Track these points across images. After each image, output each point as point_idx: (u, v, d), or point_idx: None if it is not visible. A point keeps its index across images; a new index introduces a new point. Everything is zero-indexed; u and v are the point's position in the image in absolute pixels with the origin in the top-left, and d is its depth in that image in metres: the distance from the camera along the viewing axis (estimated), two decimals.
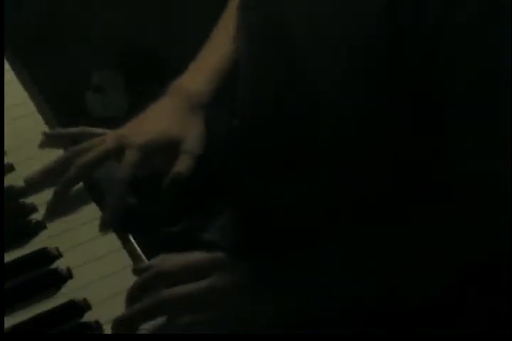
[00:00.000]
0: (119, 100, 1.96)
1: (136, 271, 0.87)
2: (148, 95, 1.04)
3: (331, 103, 0.86)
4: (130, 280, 0.86)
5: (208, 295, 0.82)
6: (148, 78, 1.80)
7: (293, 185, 0.94)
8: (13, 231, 0.92)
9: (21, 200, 0.95)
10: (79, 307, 0.85)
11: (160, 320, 0.83)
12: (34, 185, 0.96)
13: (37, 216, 0.94)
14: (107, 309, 0.85)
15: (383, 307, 0.85)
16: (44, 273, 0.88)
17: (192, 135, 1.00)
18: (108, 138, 0.98)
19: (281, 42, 0.88)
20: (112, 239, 0.92)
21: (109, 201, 0.94)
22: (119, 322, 0.82)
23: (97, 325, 0.83)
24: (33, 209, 0.94)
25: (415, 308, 0.86)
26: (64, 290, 0.87)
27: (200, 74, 1.06)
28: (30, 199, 0.95)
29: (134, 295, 0.84)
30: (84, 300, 0.85)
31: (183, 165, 0.98)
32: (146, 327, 0.83)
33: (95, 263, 0.90)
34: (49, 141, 1.02)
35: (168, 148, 0.99)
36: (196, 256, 0.86)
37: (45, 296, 0.86)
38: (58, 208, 0.94)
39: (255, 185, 0.97)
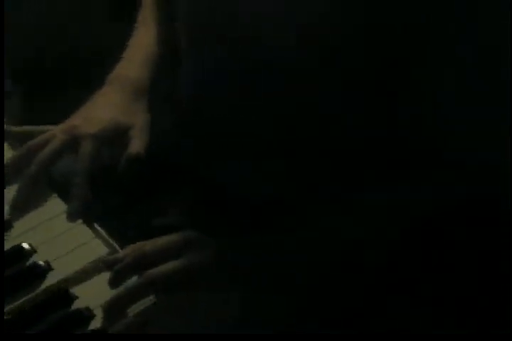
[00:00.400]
0: (14, 109, 1.94)
1: (105, 262, 0.88)
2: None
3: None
4: None
5: (188, 272, 0.85)
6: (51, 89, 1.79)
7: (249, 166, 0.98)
8: None
9: None
10: (66, 297, 0.86)
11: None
12: None
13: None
14: (93, 296, 0.87)
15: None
16: (24, 269, 0.89)
17: (139, 121, 1.02)
18: (59, 131, 1.00)
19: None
20: (83, 229, 0.94)
21: (74, 192, 0.95)
22: (109, 306, 0.84)
23: (88, 311, 0.85)
24: None
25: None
26: (47, 282, 0.88)
27: (136, 61, 1.09)
28: None
29: (117, 281, 0.86)
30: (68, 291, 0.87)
31: (134, 147, 0.99)
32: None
33: (71, 254, 0.91)
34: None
35: (118, 136, 1.00)
36: (168, 237, 0.88)
37: (29, 291, 0.87)
38: (23, 205, 0.95)
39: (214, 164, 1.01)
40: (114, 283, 0.86)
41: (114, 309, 0.84)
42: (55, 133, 0.99)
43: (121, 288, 0.85)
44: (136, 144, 1.00)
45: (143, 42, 1.12)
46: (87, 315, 0.85)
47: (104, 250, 0.92)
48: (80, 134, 0.98)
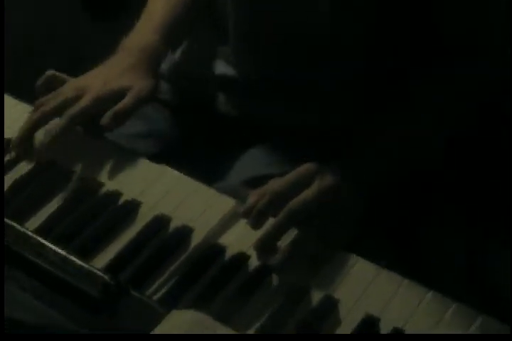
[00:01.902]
0: None
1: (242, 210, 0.95)
2: None
3: None
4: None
5: (323, 196, 0.94)
6: None
7: None
8: None
9: None
10: (217, 249, 0.95)
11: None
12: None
13: None
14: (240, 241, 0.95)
15: None
16: (167, 236, 0.97)
17: (140, 84, 1.09)
18: (68, 86, 1.08)
19: None
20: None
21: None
22: (260, 244, 0.93)
23: (242, 254, 0.94)
24: None
25: None
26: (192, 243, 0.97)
27: (145, 28, 1.16)
28: None
29: (260, 223, 0.94)
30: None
31: (122, 105, 1.06)
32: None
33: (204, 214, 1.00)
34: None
35: (117, 94, 1.07)
36: (293, 173, 0.96)
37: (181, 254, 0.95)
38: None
39: None
40: (257, 225, 0.93)
41: (265, 246, 0.92)
42: (64, 91, 1.08)
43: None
44: (123, 103, 1.06)
45: (154, 9, 1.19)
46: (242, 258, 0.93)
47: (231, 202, 0.99)
48: (84, 91, 1.06)
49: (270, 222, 0.94)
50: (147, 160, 1.06)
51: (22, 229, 0.88)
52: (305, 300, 0.90)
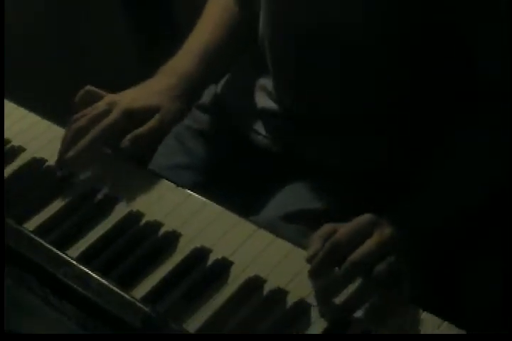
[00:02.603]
0: None
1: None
2: None
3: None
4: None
5: (383, 247, 0.95)
6: None
7: None
8: None
9: None
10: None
11: None
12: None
13: None
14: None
15: None
16: (206, 269, 0.99)
17: (170, 105, 1.12)
18: (100, 104, 1.11)
19: None
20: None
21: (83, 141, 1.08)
22: (324, 291, 0.94)
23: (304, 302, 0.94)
24: None
25: None
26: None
27: (187, 55, 1.20)
28: None
29: (319, 272, 0.94)
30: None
31: (145, 128, 1.10)
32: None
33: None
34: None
35: (145, 114, 1.11)
36: (353, 223, 0.97)
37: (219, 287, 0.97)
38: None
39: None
40: (316, 274, 0.94)
41: (327, 296, 0.94)
42: (99, 104, 1.11)
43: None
44: (147, 126, 1.09)
45: (200, 40, 1.22)
46: (303, 307, 0.94)
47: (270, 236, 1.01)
48: (115, 106, 1.10)
49: None
50: (188, 191, 1.08)
51: (67, 258, 0.90)
52: None
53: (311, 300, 0.94)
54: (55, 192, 1.09)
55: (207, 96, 1.29)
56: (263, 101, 1.22)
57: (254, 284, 0.96)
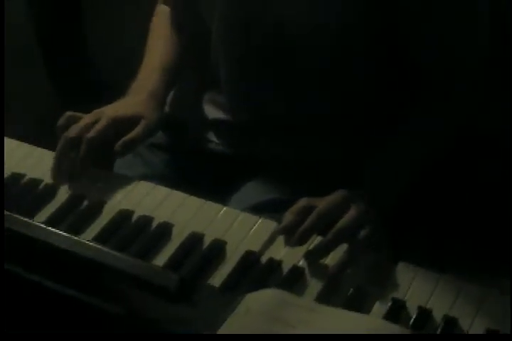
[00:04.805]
0: None
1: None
2: None
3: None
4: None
5: (362, 218, 1.08)
6: None
7: None
8: None
9: None
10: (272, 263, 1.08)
11: None
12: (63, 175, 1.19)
13: None
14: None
15: None
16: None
17: (151, 115, 1.26)
18: (86, 117, 1.22)
19: None
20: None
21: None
22: (311, 256, 1.06)
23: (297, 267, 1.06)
24: None
25: None
26: None
27: (150, 73, 1.34)
28: None
29: (303, 240, 1.07)
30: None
31: (135, 133, 1.23)
32: None
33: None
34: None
35: (131, 121, 1.24)
36: (329, 199, 1.10)
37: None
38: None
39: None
40: (302, 242, 1.07)
41: (314, 260, 1.06)
42: (85, 117, 1.23)
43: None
44: (136, 132, 1.23)
45: (158, 56, 1.36)
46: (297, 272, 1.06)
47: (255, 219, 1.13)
48: (102, 115, 1.22)
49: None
50: (168, 189, 1.20)
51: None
52: None
53: (304, 265, 1.07)
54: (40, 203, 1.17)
55: None
56: (211, 111, 1.34)
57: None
